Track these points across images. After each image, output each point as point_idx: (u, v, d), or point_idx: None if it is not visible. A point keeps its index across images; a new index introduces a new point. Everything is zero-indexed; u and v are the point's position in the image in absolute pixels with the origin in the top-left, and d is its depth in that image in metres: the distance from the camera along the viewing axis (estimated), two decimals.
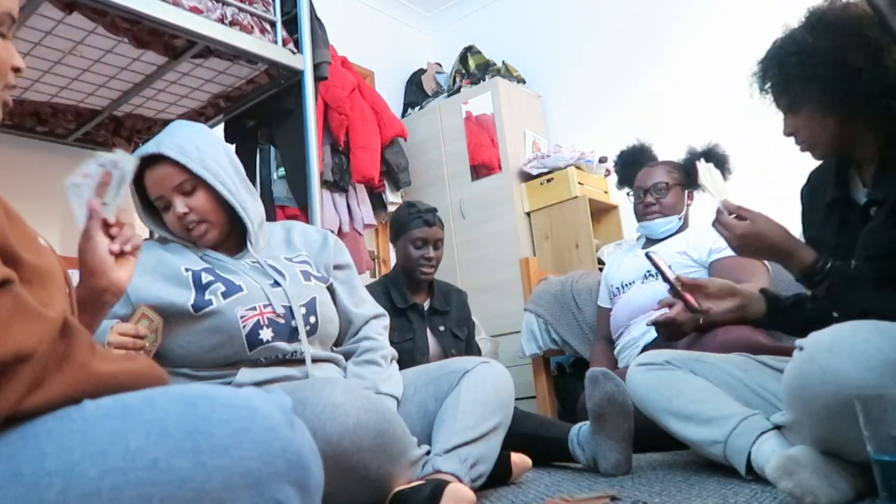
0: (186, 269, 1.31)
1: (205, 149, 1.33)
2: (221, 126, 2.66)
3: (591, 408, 1.45)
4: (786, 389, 1.04)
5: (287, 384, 1.22)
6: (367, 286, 2.29)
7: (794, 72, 1.19)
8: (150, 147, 1.30)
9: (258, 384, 1.25)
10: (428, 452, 1.25)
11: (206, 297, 1.27)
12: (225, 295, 1.28)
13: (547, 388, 2.71)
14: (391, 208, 3.48)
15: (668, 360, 1.46)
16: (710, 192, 1.33)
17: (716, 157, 2.19)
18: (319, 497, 0.62)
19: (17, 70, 0.79)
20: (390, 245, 3.90)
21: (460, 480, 1.18)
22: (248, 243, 1.39)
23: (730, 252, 1.99)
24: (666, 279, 1.42)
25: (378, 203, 3.44)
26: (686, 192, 2.21)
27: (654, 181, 2.18)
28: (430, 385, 1.41)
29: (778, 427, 1.15)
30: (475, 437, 1.28)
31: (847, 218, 1.27)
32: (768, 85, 1.28)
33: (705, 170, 1.34)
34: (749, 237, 1.23)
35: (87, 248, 0.98)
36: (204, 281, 1.29)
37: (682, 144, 2.36)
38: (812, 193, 1.41)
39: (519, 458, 1.50)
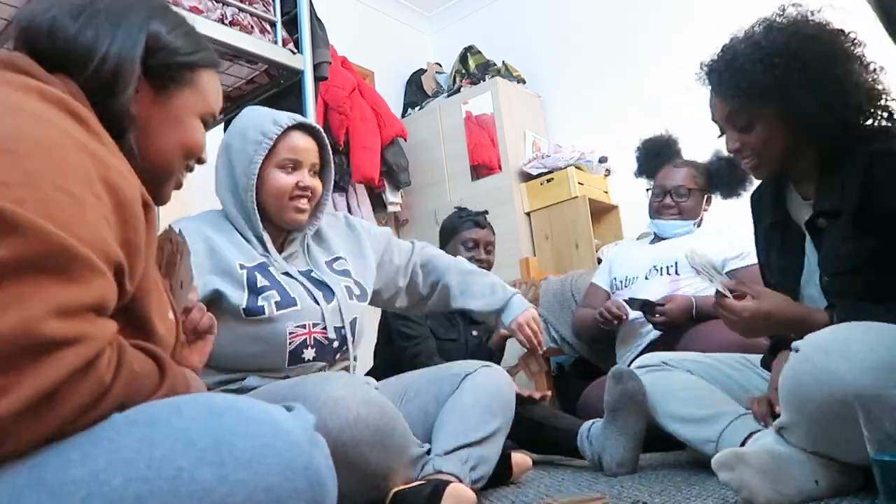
0: (241, 266, 1.26)
1: None
2: (221, 126, 2.66)
3: (608, 401, 1.46)
4: (782, 390, 1.04)
5: (290, 380, 1.22)
6: None
7: (762, 83, 1.13)
8: (305, 119, 1.36)
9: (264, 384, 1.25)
10: (428, 452, 1.25)
11: (260, 303, 1.23)
12: (279, 305, 1.25)
13: (547, 387, 2.71)
14: (391, 208, 3.49)
15: (665, 362, 1.47)
16: (705, 275, 1.24)
17: (740, 167, 2.17)
18: None
19: (199, 161, 0.87)
20: None
21: (461, 481, 1.18)
22: (304, 242, 1.40)
23: (747, 262, 1.98)
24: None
25: (378, 203, 3.45)
26: (705, 197, 2.19)
27: (678, 184, 2.15)
28: (432, 387, 1.40)
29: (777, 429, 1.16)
30: (476, 439, 1.28)
31: (787, 239, 1.27)
32: (724, 88, 1.21)
33: (693, 254, 1.26)
34: (758, 318, 1.15)
35: None
36: (259, 284, 1.25)
37: (682, 144, 2.36)
38: (755, 220, 1.40)
39: (519, 458, 1.50)
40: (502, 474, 1.45)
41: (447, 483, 1.12)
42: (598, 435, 1.53)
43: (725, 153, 2.18)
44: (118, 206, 0.62)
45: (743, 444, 1.19)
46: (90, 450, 0.53)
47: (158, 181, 0.82)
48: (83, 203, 0.58)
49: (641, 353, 1.94)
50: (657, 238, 2.25)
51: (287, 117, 1.33)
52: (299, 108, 2.26)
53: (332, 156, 1.42)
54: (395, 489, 1.13)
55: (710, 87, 1.27)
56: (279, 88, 2.35)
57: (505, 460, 1.44)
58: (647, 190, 2.29)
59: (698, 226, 2.19)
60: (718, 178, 2.18)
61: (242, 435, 0.55)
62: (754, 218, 1.42)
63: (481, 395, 1.35)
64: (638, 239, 2.42)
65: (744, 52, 1.18)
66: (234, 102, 2.49)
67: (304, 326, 1.27)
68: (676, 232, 2.17)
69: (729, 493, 1.12)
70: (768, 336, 1.33)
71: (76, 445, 0.54)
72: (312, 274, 1.37)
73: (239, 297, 1.23)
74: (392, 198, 3.47)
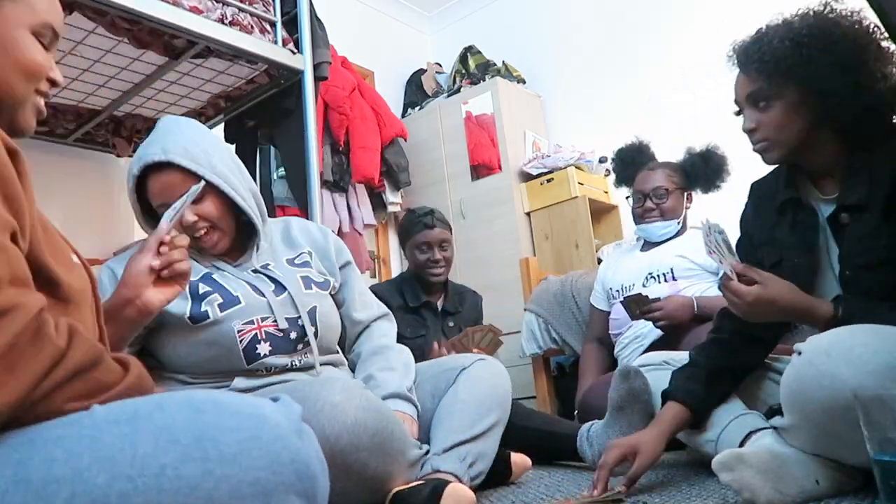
0: None
1: (211, 151, 1.26)
2: (221, 126, 2.66)
3: (613, 398, 1.46)
4: (784, 393, 1.04)
5: (286, 384, 1.22)
6: (382, 283, 2.30)
7: (789, 59, 1.14)
8: (155, 153, 1.21)
9: (256, 388, 1.24)
10: (427, 452, 1.25)
11: (203, 308, 1.23)
12: (222, 307, 1.24)
13: (547, 388, 2.71)
14: (391, 208, 3.48)
15: (667, 360, 1.47)
16: (717, 254, 1.22)
17: (715, 159, 2.19)
18: None
19: (53, 83, 0.80)
20: (390, 245, 3.92)
21: (459, 480, 1.18)
22: (255, 249, 1.35)
23: None
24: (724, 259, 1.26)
25: (378, 203, 3.45)
26: (685, 194, 2.21)
27: (654, 186, 2.17)
28: (427, 383, 1.41)
29: (776, 428, 1.16)
30: (473, 435, 1.28)
31: (799, 218, 1.25)
32: (750, 63, 1.19)
33: (708, 227, 1.24)
34: (761, 304, 1.14)
35: (131, 259, 0.97)
36: (201, 291, 1.25)
37: (682, 144, 2.36)
38: (756, 204, 1.38)
39: (519, 458, 1.50)
40: (502, 474, 1.45)
41: (446, 483, 1.12)
42: (599, 434, 1.53)
43: (697, 149, 2.21)
44: None
45: (742, 443, 1.19)
46: (73, 448, 0.53)
47: (11, 110, 0.76)
48: None
49: (643, 353, 1.94)
50: (647, 244, 2.26)
51: (136, 163, 1.23)
52: (299, 107, 2.26)
53: (219, 177, 1.26)
54: (395, 489, 1.13)
55: (736, 67, 1.24)
56: (279, 88, 2.35)
57: (505, 460, 1.44)
58: (627, 198, 2.31)
59: (681, 224, 2.20)
60: (695, 174, 2.19)
61: (226, 429, 0.55)
62: (751, 204, 1.40)
63: (477, 389, 1.35)
64: (637, 240, 2.41)
65: (774, 31, 1.18)
66: (234, 102, 2.49)
67: (251, 322, 1.25)
68: (663, 233, 2.18)
69: (729, 493, 1.12)
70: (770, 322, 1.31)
71: (59, 444, 0.54)
72: (265, 270, 1.34)
73: (182, 307, 1.22)
74: (392, 198, 3.46)
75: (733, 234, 1.29)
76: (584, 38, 3.87)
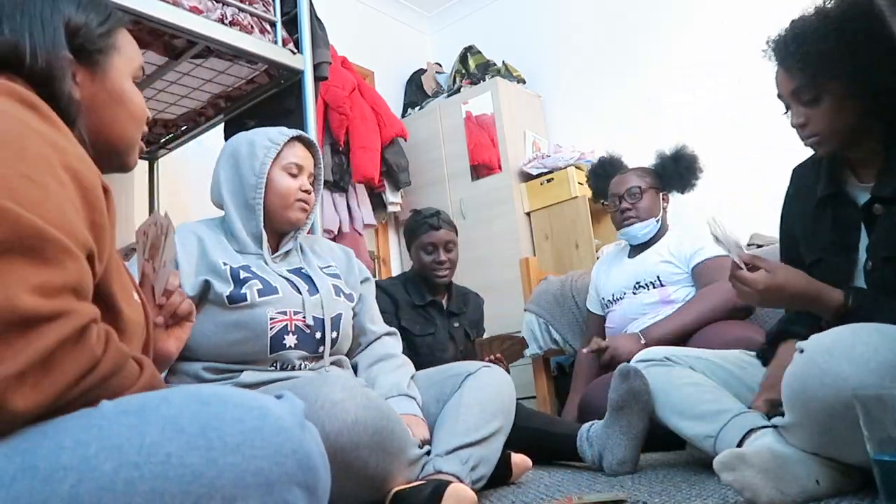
0: (224, 264, 1.33)
1: None
2: (221, 126, 2.66)
3: (613, 398, 1.46)
4: (786, 391, 1.04)
5: (286, 382, 1.22)
6: (386, 279, 2.31)
7: (833, 53, 1.10)
8: (305, 134, 1.50)
9: (261, 384, 1.26)
10: (428, 453, 1.25)
11: (243, 290, 1.29)
12: (260, 293, 1.30)
13: (547, 388, 2.71)
14: (391, 208, 3.49)
15: (668, 357, 1.47)
16: (724, 245, 1.24)
17: (685, 158, 2.20)
18: (326, 500, 0.62)
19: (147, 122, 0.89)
20: (390, 245, 3.93)
21: (461, 481, 1.18)
22: (299, 247, 1.47)
23: (707, 254, 2.03)
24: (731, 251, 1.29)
25: (378, 203, 3.45)
26: (661, 195, 2.22)
27: (627, 186, 2.20)
28: (433, 388, 1.41)
29: (777, 427, 1.16)
30: (477, 439, 1.28)
31: (840, 214, 1.24)
32: (792, 61, 1.16)
33: (714, 223, 1.25)
34: (772, 290, 1.16)
35: None
36: (241, 276, 1.32)
37: (681, 145, 2.37)
38: (797, 191, 1.37)
39: (519, 459, 1.50)
40: (502, 475, 1.45)
41: (447, 483, 1.12)
42: (599, 434, 1.53)
43: (668, 151, 2.22)
44: (82, 191, 0.64)
45: (741, 442, 1.19)
46: (81, 437, 0.54)
47: (124, 153, 0.85)
48: (48, 189, 0.60)
49: None
50: (633, 249, 2.28)
51: (290, 130, 1.46)
52: (299, 108, 2.26)
53: (322, 170, 1.54)
54: (396, 489, 1.13)
55: (775, 62, 1.22)
56: (279, 88, 2.34)
57: (505, 461, 1.45)
58: (604, 203, 2.32)
59: (660, 223, 2.21)
60: (668, 175, 2.21)
61: (230, 420, 0.57)
62: (792, 189, 1.39)
63: (482, 395, 1.35)
64: (623, 248, 2.41)
65: (813, 24, 1.15)
66: (234, 102, 2.49)
67: (284, 313, 1.31)
68: (644, 234, 2.19)
69: (729, 493, 1.12)
70: (784, 309, 1.31)
71: (67, 433, 0.55)
72: (302, 270, 1.43)
73: (224, 288, 1.29)
74: (392, 198, 3.47)
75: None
76: (584, 38, 3.87)
